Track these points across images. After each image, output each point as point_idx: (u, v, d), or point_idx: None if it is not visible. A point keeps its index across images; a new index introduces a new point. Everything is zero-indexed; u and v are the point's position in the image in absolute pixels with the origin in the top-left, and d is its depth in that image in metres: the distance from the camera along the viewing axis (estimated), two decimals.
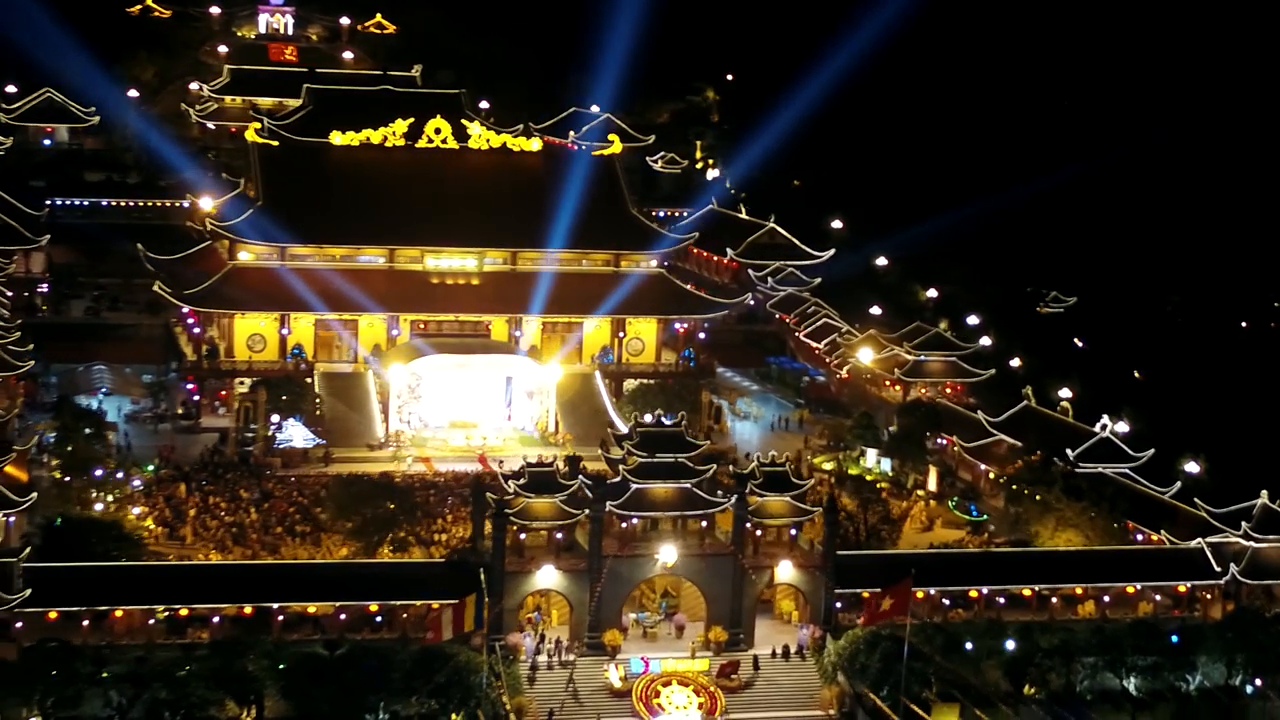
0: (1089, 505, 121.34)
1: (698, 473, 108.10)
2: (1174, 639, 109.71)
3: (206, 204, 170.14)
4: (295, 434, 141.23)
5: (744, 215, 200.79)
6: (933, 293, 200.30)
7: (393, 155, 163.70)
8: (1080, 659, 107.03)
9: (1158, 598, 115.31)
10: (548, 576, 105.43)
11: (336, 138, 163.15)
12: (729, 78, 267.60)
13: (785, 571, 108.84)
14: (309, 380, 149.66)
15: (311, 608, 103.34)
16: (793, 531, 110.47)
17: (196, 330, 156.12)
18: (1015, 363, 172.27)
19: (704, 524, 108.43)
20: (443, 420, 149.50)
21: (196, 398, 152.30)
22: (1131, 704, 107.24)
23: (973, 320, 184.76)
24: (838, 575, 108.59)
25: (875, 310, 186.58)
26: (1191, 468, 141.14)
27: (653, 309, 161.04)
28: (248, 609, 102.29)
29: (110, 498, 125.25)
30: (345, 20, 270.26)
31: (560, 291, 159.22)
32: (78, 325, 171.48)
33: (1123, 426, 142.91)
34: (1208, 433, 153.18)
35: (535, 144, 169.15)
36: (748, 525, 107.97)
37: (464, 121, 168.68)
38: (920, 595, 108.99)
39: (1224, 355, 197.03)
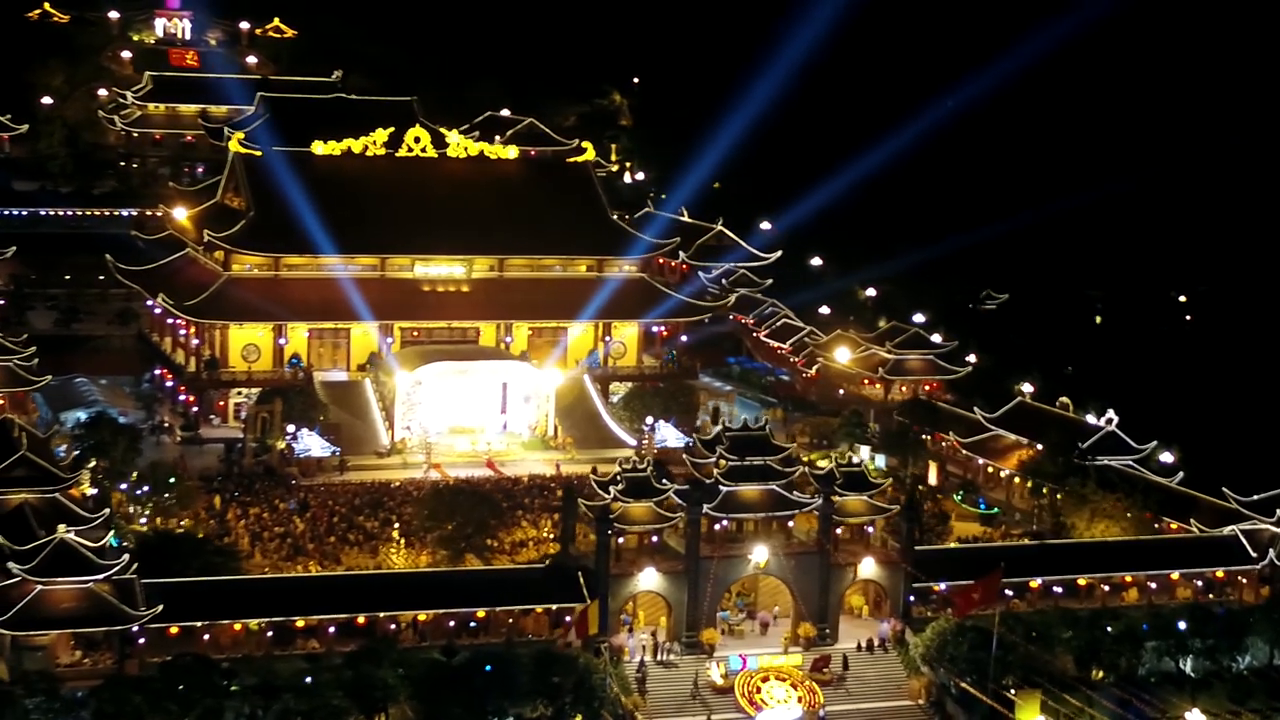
0: (1123, 497, 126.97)
1: (785, 474, 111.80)
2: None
3: (180, 214, 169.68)
4: (312, 443, 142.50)
5: (687, 218, 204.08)
6: (871, 291, 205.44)
7: (374, 164, 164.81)
8: (1145, 644, 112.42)
9: (1199, 583, 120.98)
10: (649, 579, 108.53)
11: (318, 147, 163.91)
12: (635, 81, 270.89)
13: (868, 568, 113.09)
14: (313, 389, 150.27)
15: (423, 615, 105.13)
16: (869, 528, 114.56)
17: (195, 341, 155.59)
18: (972, 359, 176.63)
19: (789, 524, 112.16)
20: (442, 426, 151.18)
21: (196, 409, 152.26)
22: (1191, 685, 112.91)
23: (919, 319, 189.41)
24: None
25: (824, 310, 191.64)
26: (1166, 457, 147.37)
27: (636, 312, 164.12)
28: (361, 619, 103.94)
29: (148, 511, 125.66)
30: (244, 24, 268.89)
31: (547, 297, 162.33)
32: (48, 337, 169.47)
33: (1090, 419, 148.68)
34: (1163, 423, 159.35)
35: (512, 152, 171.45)
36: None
37: (442, 130, 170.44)
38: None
39: (1147, 347, 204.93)
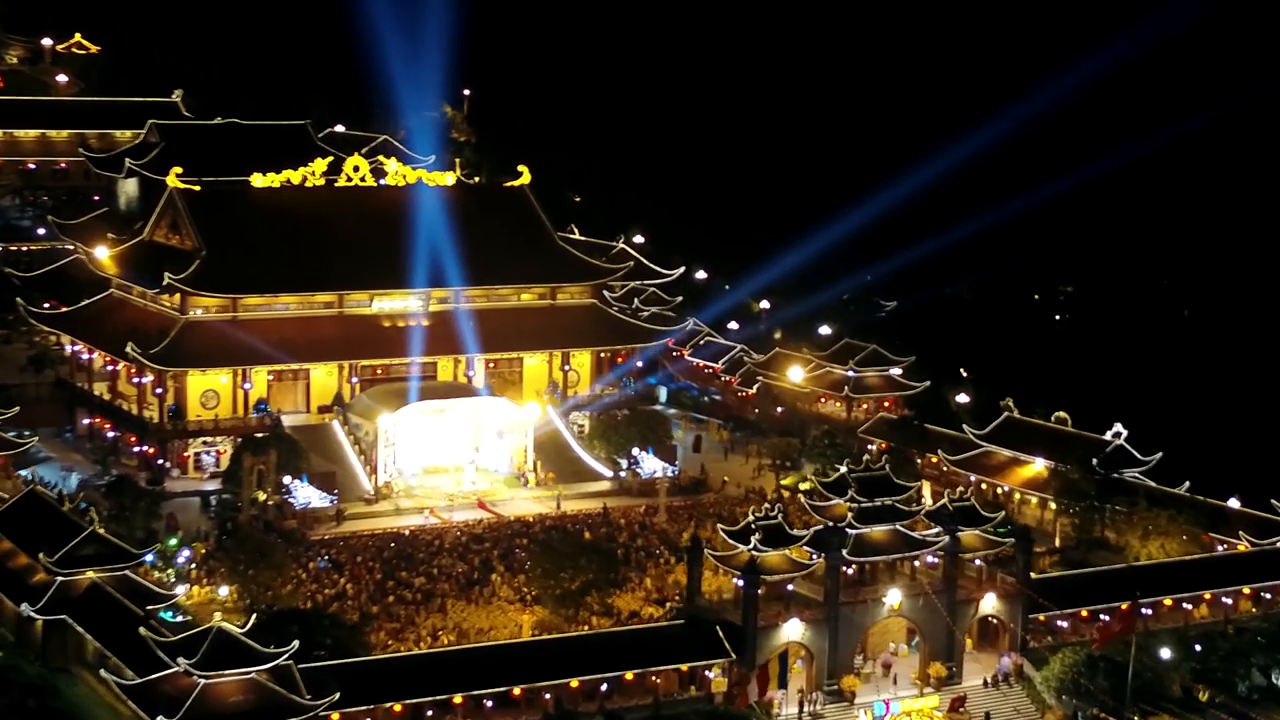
0: (1175, 514, 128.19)
1: (910, 514, 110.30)
2: None
3: (102, 252, 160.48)
4: (309, 494, 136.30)
5: (577, 235, 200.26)
6: (765, 304, 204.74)
7: (315, 195, 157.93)
8: (1251, 659, 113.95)
9: (1266, 595, 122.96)
10: (793, 629, 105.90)
11: (258, 179, 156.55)
12: (466, 93, 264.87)
13: (989, 603, 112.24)
14: (289, 435, 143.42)
15: (574, 682, 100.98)
16: (978, 562, 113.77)
17: (159, 390, 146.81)
18: (897, 371, 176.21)
19: (914, 564, 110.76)
20: (416, 467, 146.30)
21: (161, 461, 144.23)
22: None
23: (825, 331, 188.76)
24: (1031, 602, 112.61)
25: (732, 325, 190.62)
26: None
27: (592, 340, 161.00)
28: (517, 690, 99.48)
29: (171, 576, 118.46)
30: (47, 41, 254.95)
31: (503, 327, 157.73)
32: None
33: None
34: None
35: (450, 178, 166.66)
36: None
37: (380, 158, 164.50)
38: (1085, 614, 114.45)
39: (1028, 347, 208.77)
